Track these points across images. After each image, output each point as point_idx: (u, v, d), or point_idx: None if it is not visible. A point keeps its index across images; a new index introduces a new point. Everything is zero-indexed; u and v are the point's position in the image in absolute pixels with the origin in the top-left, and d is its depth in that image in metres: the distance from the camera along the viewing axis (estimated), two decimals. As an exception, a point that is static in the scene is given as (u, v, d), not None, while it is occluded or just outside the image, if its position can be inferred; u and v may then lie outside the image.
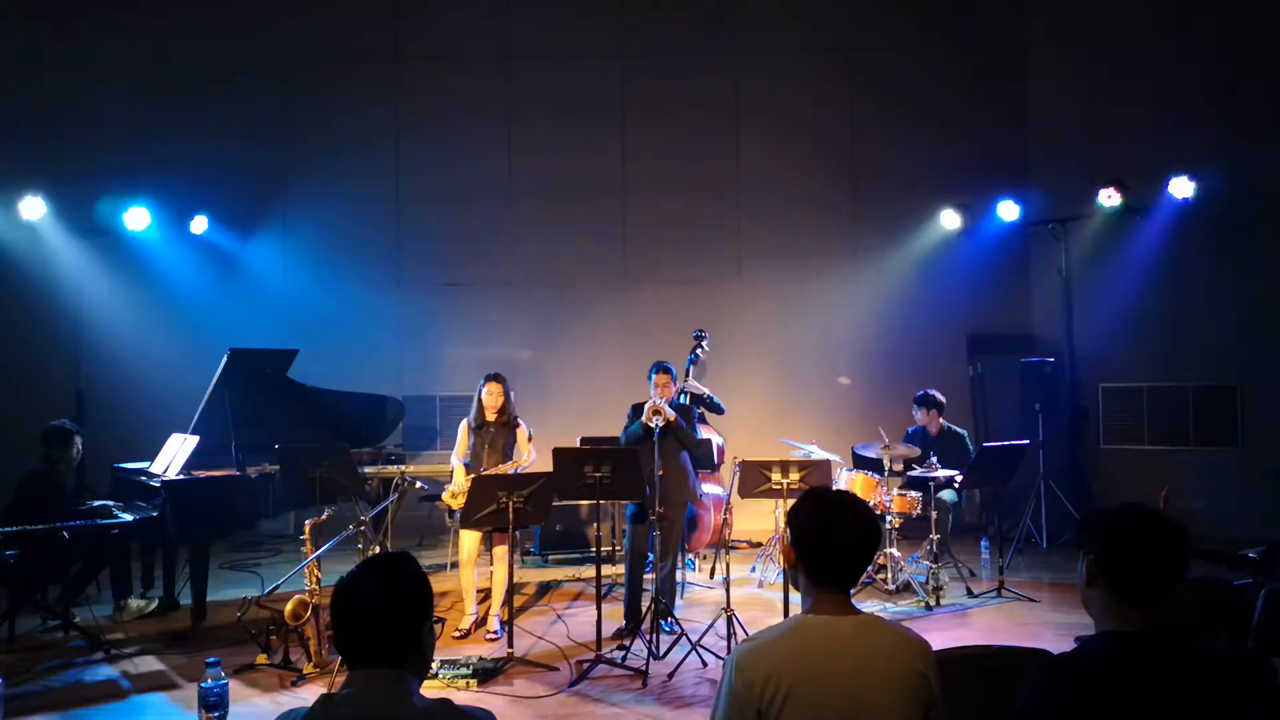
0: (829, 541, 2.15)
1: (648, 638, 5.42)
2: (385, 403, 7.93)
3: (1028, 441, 7.71)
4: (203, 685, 3.49)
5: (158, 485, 6.20)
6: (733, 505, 6.58)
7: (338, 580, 2.00)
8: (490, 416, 6.25)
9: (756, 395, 9.60)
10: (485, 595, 6.33)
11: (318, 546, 5.48)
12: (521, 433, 6.34)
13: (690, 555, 7.88)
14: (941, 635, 5.70)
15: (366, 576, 1.98)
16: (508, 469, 6.05)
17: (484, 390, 6.26)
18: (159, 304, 9.61)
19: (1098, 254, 9.35)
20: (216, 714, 3.49)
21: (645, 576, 6.13)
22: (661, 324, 9.21)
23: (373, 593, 1.94)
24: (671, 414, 5.82)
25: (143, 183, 9.41)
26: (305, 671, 5.20)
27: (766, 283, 9.96)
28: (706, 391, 7.40)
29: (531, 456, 6.29)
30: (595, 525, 6.04)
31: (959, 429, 7.74)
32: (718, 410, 7.43)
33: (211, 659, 3.59)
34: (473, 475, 6.00)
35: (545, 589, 7.31)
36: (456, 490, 6.24)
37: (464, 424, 6.38)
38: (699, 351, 6.55)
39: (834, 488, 5.71)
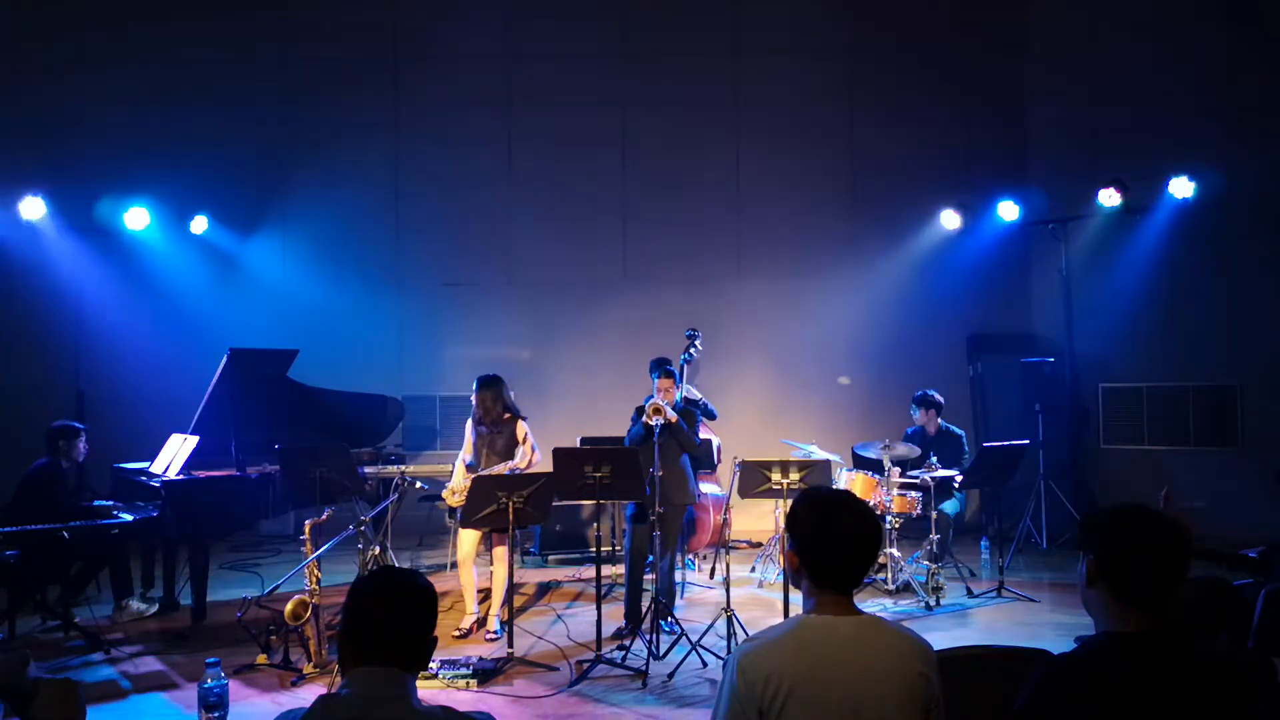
0: (831, 543, 2.14)
1: (648, 638, 5.42)
2: (385, 403, 7.92)
3: (1028, 441, 7.71)
4: (203, 685, 3.49)
5: (158, 485, 6.20)
6: (732, 505, 6.58)
7: (355, 585, 2.04)
8: (483, 419, 6.26)
9: (756, 395, 9.61)
10: (485, 595, 6.33)
11: (318, 546, 5.48)
12: (520, 431, 6.31)
13: (690, 555, 7.88)
14: (941, 635, 5.70)
15: (390, 594, 2.03)
16: (503, 469, 6.03)
17: (473, 397, 6.28)
18: (159, 304, 9.61)
19: (1098, 254, 9.34)
20: (216, 714, 3.48)
21: (645, 577, 6.13)
22: (661, 324, 9.18)
23: (397, 610, 1.99)
24: (673, 415, 5.82)
25: (143, 182, 9.41)
26: (305, 671, 5.20)
27: (766, 283, 9.96)
28: (701, 398, 7.37)
29: (536, 457, 6.26)
30: (595, 525, 6.04)
31: (956, 429, 7.73)
32: (710, 416, 7.42)
33: (211, 659, 3.59)
34: (472, 475, 6.01)
35: (545, 589, 7.31)
36: (455, 489, 6.23)
37: (469, 423, 6.37)
38: (692, 351, 6.55)
39: (833, 487, 5.71)
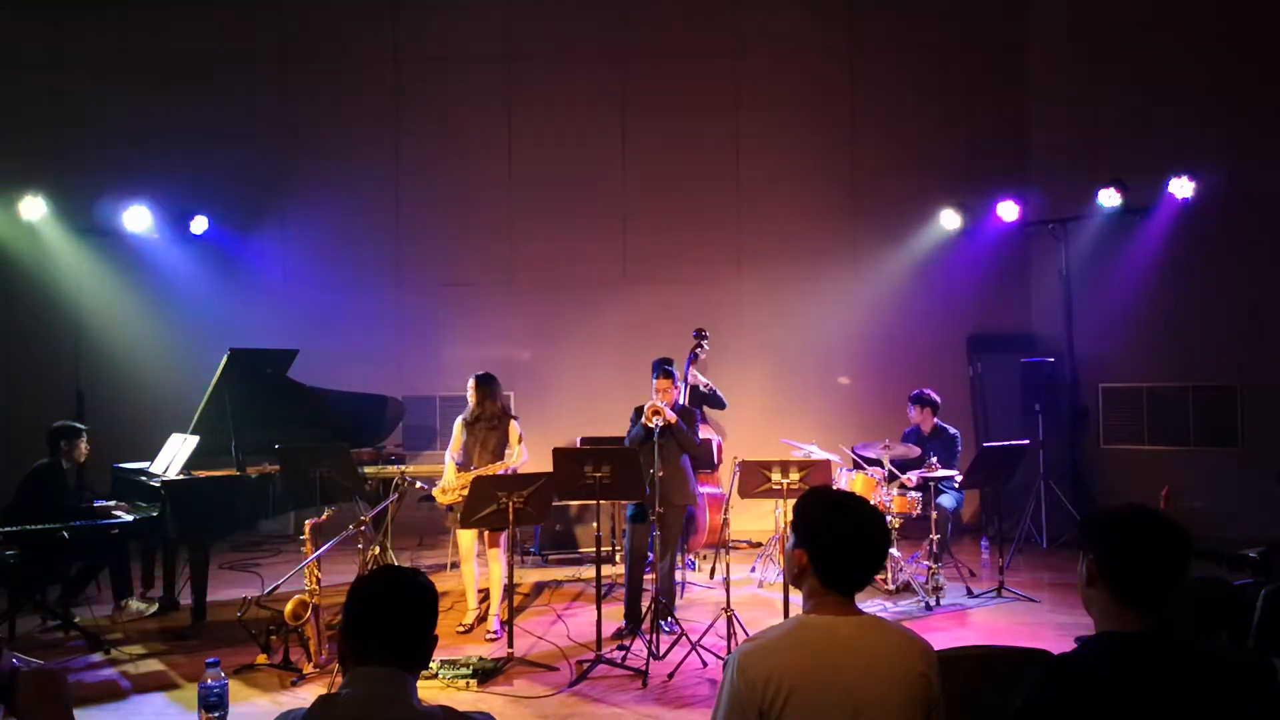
0: (844, 543, 2.13)
1: (648, 638, 5.42)
2: (385, 403, 7.92)
3: (1028, 441, 7.70)
4: (203, 685, 3.48)
5: (158, 485, 6.20)
6: (732, 505, 6.58)
7: (355, 584, 2.03)
8: (474, 415, 6.27)
9: (756, 395, 9.60)
10: (485, 595, 6.33)
11: (318, 546, 5.48)
12: (513, 431, 6.32)
13: (690, 555, 7.88)
14: (941, 635, 5.70)
15: (391, 593, 2.03)
16: (497, 469, 6.04)
17: (469, 396, 6.31)
18: (159, 304, 9.60)
19: (1098, 254, 9.34)
20: (216, 714, 3.48)
21: (645, 577, 6.13)
22: (661, 324, 9.20)
23: (397, 609, 1.99)
24: (672, 416, 5.82)
25: (143, 183, 9.40)
26: (305, 671, 5.20)
27: (766, 283, 9.96)
28: (708, 383, 7.37)
29: (523, 456, 6.27)
30: (595, 525, 6.04)
31: (952, 428, 7.72)
32: (719, 405, 7.42)
33: (211, 659, 3.58)
34: (464, 473, 6.02)
35: (545, 589, 7.31)
36: (446, 487, 6.24)
37: (459, 421, 6.39)
38: (699, 351, 6.55)
39: (834, 488, 5.71)
